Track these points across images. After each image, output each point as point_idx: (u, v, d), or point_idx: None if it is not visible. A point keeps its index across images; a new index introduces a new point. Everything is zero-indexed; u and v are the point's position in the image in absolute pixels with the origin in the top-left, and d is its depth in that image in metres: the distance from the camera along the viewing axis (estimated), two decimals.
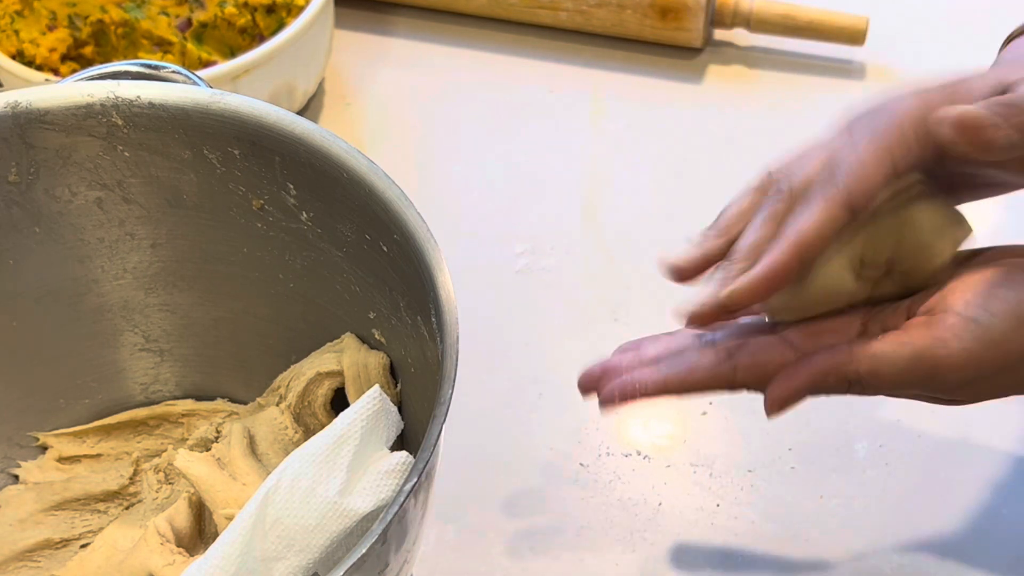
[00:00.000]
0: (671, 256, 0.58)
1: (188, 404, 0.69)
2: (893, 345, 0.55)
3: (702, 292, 0.55)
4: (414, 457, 0.51)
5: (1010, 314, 0.55)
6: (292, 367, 0.65)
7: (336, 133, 0.59)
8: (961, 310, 0.55)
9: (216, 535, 0.59)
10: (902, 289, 0.58)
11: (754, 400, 0.69)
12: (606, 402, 0.58)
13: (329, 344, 0.64)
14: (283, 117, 0.59)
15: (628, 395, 0.58)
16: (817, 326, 0.58)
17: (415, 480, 0.49)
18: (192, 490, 0.63)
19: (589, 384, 0.59)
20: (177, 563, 0.59)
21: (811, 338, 0.58)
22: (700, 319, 0.56)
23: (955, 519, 0.69)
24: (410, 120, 0.89)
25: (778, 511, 0.69)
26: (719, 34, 0.93)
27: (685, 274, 0.58)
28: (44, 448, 0.68)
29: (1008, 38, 0.66)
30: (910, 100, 0.56)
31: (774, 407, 0.57)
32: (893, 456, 0.71)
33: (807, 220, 0.55)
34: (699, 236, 0.58)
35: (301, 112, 0.86)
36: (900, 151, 0.55)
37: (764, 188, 0.60)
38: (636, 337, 0.72)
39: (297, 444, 0.63)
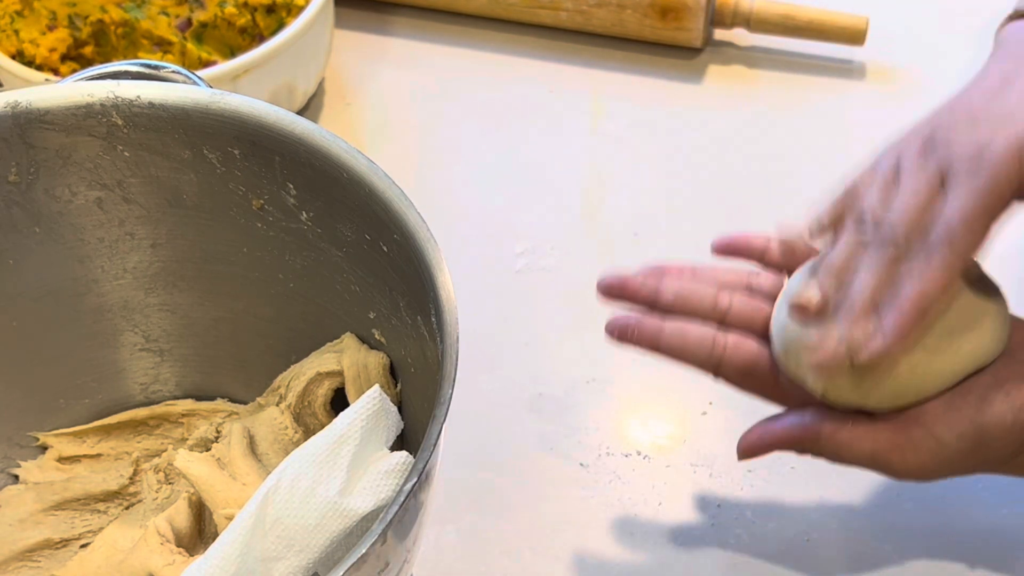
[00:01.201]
0: (802, 299, 0.59)
1: (188, 404, 0.69)
2: (858, 438, 0.59)
3: (829, 338, 0.57)
4: (414, 457, 0.51)
5: (970, 438, 0.58)
6: (292, 367, 0.65)
7: (336, 133, 0.59)
8: (929, 424, 0.58)
9: (216, 535, 0.59)
10: None
11: (754, 400, 0.69)
12: (607, 331, 0.64)
13: (329, 344, 0.64)
14: (283, 117, 0.59)
15: (626, 339, 0.63)
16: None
17: (415, 480, 0.49)
18: (192, 490, 0.63)
19: (605, 291, 0.65)
20: (177, 563, 0.59)
21: (796, 397, 0.62)
22: (824, 367, 0.58)
23: (955, 519, 0.69)
24: (410, 120, 0.89)
25: (778, 511, 0.69)
26: (719, 34, 0.93)
27: (811, 315, 0.59)
28: (44, 448, 0.68)
29: (1007, 18, 0.66)
30: (1003, 134, 0.56)
31: (745, 454, 0.63)
32: None
33: (930, 290, 0.56)
34: (823, 283, 0.59)
35: (301, 112, 0.86)
36: (1001, 203, 0.56)
37: (855, 220, 0.60)
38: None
39: (297, 444, 0.63)
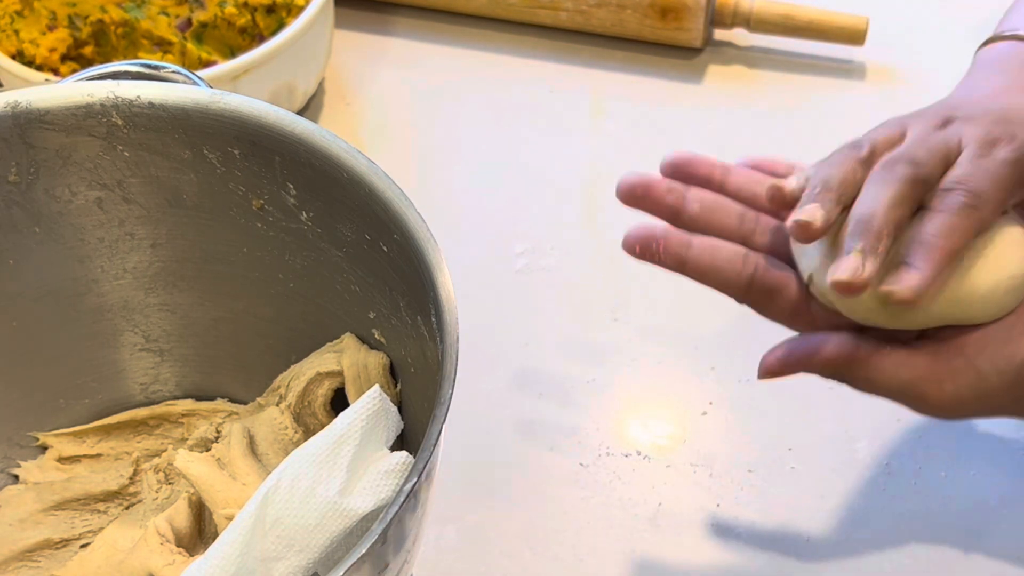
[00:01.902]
0: (804, 214, 0.56)
1: (188, 404, 0.69)
2: (895, 364, 0.57)
3: (851, 262, 0.55)
4: (414, 457, 0.51)
5: (1010, 373, 0.57)
6: (292, 367, 0.65)
7: (336, 133, 0.59)
8: (971, 355, 0.57)
9: (216, 535, 0.59)
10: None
11: (754, 400, 0.69)
12: (628, 246, 0.60)
13: (329, 344, 0.64)
14: (283, 117, 0.59)
15: (648, 254, 0.59)
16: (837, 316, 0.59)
17: (415, 480, 0.49)
18: (192, 490, 0.63)
19: (626, 192, 0.61)
20: (177, 563, 0.59)
21: (828, 320, 0.59)
22: (851, 288, 0.55)
23: (955, 519, 0.69)
24: (410, 120, 0.89)
25: (778, 511, 0.69)
26: (719, 34, 0.93)
27: (814, 234, 0.56)
28: (44, 448, 0.68)
29: (984, 42, 0.67)
30: None
31: (767, 373, 0.59)
32: (893, 456, 0.71)
33: (959, 236, 0.55)
34: (814, 198, 0.57)
35: (301, 112, 0.86)
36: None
37: (866, 160, 0.58)
38: (636, 336, 0.72)
39: (297, 444, 0.63)
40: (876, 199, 0.56)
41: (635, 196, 0.61)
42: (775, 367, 0.58)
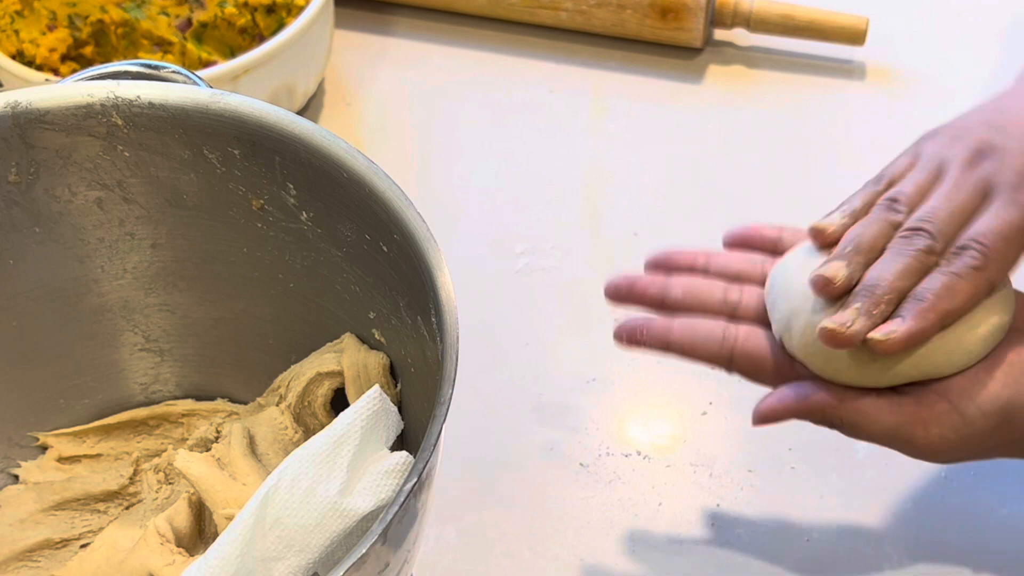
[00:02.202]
0: (828, 270, 0.58)
1: (188, 404, 0.69)
2: (880, 410, 0.58)
3: (845, 316, 0.57)
4: (414, 457, 0.51)
5: (996, 415, 0.58)
6: (292, 367, 0.65)
7: (336, 133, 0.59)
8: (955, 399, 0.58)
9: (216, 535, 0.59)
10: None
11: (754, 400, 0.69)
12: (617, 337, 0.63)
13: (329, 344, 0.64)
14: (283, 117, 0.59)
15: (636, 342, 0.62)
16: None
17: (415, 480, 0.49)
18: (192, 490, 0.63)
19: (613, 294, 0.64)
20: (177, 563, 0.59)
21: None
22: (837, 339, 0.57)
23: (955, 519, 0.69)
24: (410, 120, 0.89)
25: (778, 511, 0.69)
26: (719, 34, 0.93)
27: (833, 292, 0.58)
28: (44, 448, 0.68)
29: None
30: None
31: (760, 420, 0.61)
32: (893, 456, 0.71)
33: (957, 296, 0.57)
34: (843, 256, 0.59)
35: (301, 112, 0.86)
36: None
37: (887, 202, 0.60)
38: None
39: (297, 444, 0.63)
40: (887, 268, 0.58)
41: (620, 295, 0.64)
42: (768, 415, 0.60)
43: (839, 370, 0.59)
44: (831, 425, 0.60)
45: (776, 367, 0.61)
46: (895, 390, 0.59)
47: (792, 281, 0.61)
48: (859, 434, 0.59)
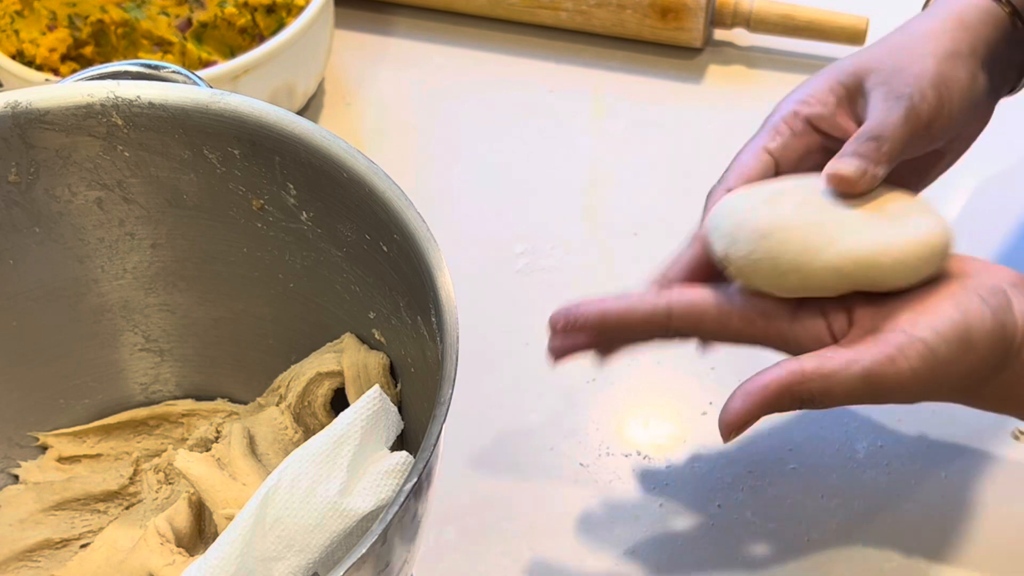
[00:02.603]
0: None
1: (188, 404, 0.69)
2: (843, 363, 0.56)
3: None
4: (414, 457, 0.51)
5: (956, 340, 0.57)
6: (292, 367, 0.65)
7: (336, 133, 0.59)
8: (908, 329, 0.57)
9: (216, 535, 0.59)
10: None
11: None
12: (552, 325, 0.61)
13: (329, 344, 0.64)
14: (283, 117, 0.60)
15: (570, 322, 0.60)
16: (762, 304, 0.59)
17: (415, 480, 0.49)
18: (192, 490, 0.63)
19: (555, 324, 0.61)
20: (177, 563, 0.59)
21: (757, 316, 0.59)
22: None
23: (954, 519, 0.69)
24: (410, 120, 0.89)
25: (778, 511, 0.69)
26: (719, 34, 0.93)
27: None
28: (44, 448, 0.68)
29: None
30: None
31: (730, 430, 0.58)
32: (893, 456, 0.71)
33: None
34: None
35: (301, 112, 0.86)
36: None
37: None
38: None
39: (297, 444, 0.63)
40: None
41: (559, 328, 0.61)
42: (736, 422, 0.58)
43: (790, 282, 0.58)
44: (802, 403, 0.57)
45: (722, 311, 0.59)
46: (852, 342, 0.57)
47: (742, 198, 0.60)
48: (832, 398, 0.57)
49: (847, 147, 0.61)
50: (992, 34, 0.65)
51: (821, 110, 0.64)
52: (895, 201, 0.60)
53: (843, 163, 0.60)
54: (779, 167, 0.64)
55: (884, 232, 0.58)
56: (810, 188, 0.61)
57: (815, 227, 0.58)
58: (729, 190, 0.62)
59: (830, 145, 0.63)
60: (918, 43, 0.64)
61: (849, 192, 0.60)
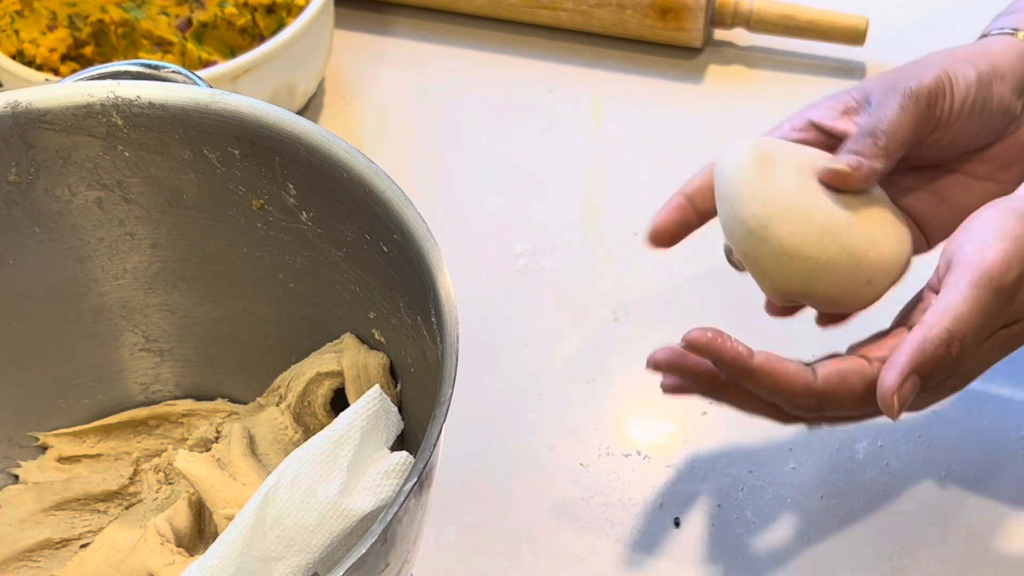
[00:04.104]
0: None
1: (188, 404, 0.69)
2: (949, 303, 0.56)
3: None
4: (414, 457, 0.51)
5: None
6: (292, 367, 0.65)
7: (336, 133, 0.59)
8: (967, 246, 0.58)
9: (216, 535, 0.59)
10: None
11: None
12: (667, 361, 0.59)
13: (329, 344, 0.64)
14: (283, 117, 0.59)
15: (705, 353, 0.58)
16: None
17: (415, 480, 0.49)
18: (192, 490, 0.63)
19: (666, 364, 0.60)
20: (177, 563, 0.59)
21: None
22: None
23: (954, 519, 0.69)
24: (410, 120, 0.89)
25: (778, 511, 0.69)
26: (719, 34, 0.93)
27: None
28: (44, 448, 0.68)
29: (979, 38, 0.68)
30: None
31: (901, 405, 0.56)
32: (893, 456, 0.71)
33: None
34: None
35: (301, 112, 0.86)
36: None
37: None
38: (636, 336, 0.72)
39: (297, 444, 0.63)
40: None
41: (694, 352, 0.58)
42: (904, 393, 0.56)
43: (796, 282, 0.59)
44: (950, 364, 0.56)
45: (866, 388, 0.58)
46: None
47: (784, 193, 0.60)
48: (964, 341, 0.56)
49: (845, 144, 0.61)
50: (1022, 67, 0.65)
51: (825, 112, 0.64)
52: (873, 207, 0.62)
53: (837, 159, 0.60)
54: None
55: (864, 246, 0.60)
56: (807, 165, 0.61)
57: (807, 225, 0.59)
58: None
59: (831, 143, 0.64)
60: (928, 57, 0.64)
61: (844, 187, 0.60)
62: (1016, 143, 0.65)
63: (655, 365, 0.59)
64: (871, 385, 0.57)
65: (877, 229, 0.61)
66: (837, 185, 0.60)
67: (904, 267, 0.61)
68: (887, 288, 0.60)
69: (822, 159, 0.62)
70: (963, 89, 0.62)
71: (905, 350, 0.55)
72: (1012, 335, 0.58)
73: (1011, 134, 0.65)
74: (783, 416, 0.59)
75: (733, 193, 0.60)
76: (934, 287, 0.59)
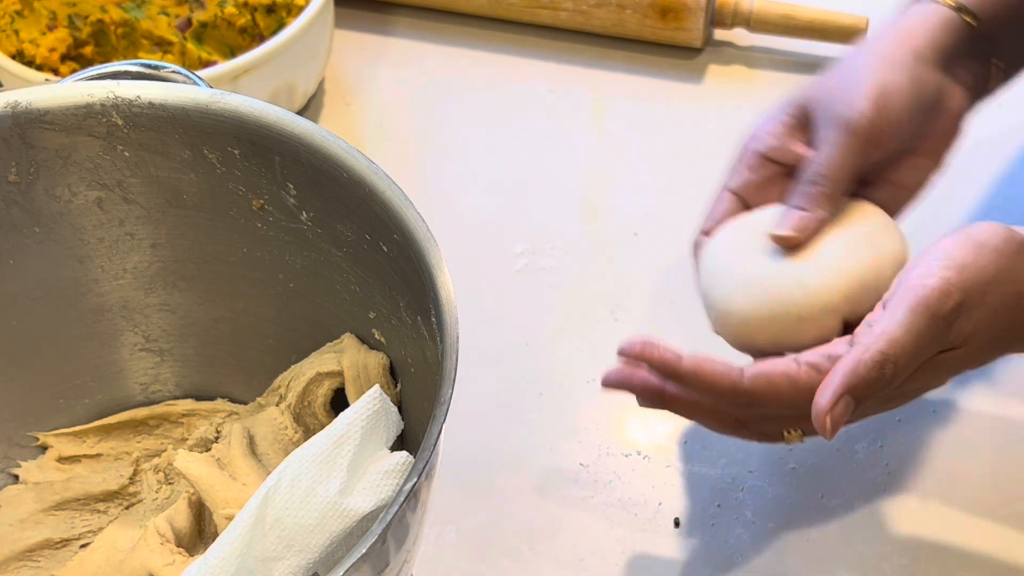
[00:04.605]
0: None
1: (188, 404, 0.69)
2: (889, 324, 0.57)
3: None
4: (414, 457, 0.51)
5: (963, 243, 0.58)
6: (292, 367, 0.65)
7: (336, 133, 0.59)
8: (916, 269, 0.59)
9: (216, 535, 0.59)
10: None
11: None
12: (628, 351, 0.61)
13: (329, 344, 0.65)
14: (283, 117, 0.60)
15: (648, 358, 0.60)
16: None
17: (415, 480, 0.49)
18: (192, 490, 0.63)
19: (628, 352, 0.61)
20: (177, 563, 0.59)
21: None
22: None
23: (955, 520, 0.69)
24: (410, 120, 0.89)
25: (778, 511, 0.69)
26: (719, 34, 0.93)
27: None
28: (44, 448, 0.68)
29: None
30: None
31: (834, 426, 0.57)
32: (893, 456, 0.71)
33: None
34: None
35: (301, 112, 0.86)
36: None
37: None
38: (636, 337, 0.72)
39: (297, 444, 0.63)
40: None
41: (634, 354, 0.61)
42: (836, 421, 0.57)
43: (765, 338, 0.61)
44: (873, 385, 0.57)
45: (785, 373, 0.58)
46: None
47: (724, 262, 0.63)
48: (898, 366, 0.57)
49: (791, 197, 0.63)
50: (943, 37, 0.65)
51: (772, 142, 0.66)
52: (857, 220, 0.63)
53: (782, 224, 0.62)
54: (746, 203, 0.66)
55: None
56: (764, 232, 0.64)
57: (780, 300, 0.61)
58: (706, 233, 0.66)
59: (789, 172, 0.65)
60: (857, 60, 0.65)
61: (796, 246, 0.62)
62: (946, 115, 0.66)
63: (607, 384, 0.62)
64: (797, 388, 0.58)
65: (812, 264, 0.62)
66: (790, 247, 0.62)
67: (851, 288, 0.61)
68: (833, 315, 0.60)
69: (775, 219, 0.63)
70: (898, 105, 0.63)
71: (839, 371, 0.56)
72: (952, 359, 0.59)
73: (940, 111, 0.66)
74: (727, 424, 0.61)
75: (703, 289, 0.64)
76: (885, 304, 0.59)
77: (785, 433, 0.60)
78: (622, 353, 0.61)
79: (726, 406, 0.60)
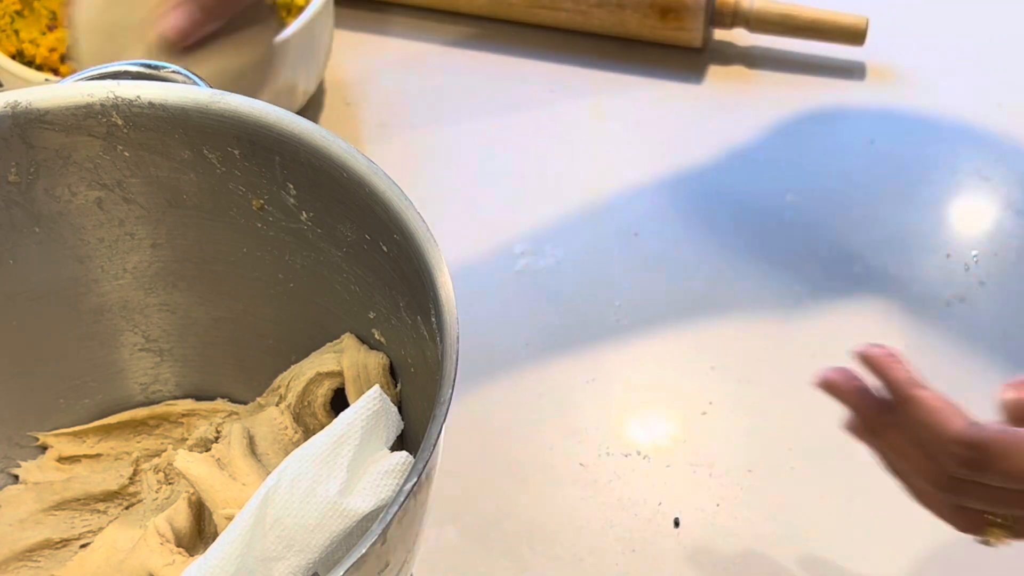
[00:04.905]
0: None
1: (188, 404, 0.69)
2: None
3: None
4: (414, 457, 0.51)
5: None
6: (292, 367, 0.65)
7: (336, 133, 0.59)
8: None
9: (216, 535, 0.59)
10: None
11: (754, 400, 0.69)
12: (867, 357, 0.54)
13: (329, 344, 0.64)
14: (283, 117, 0.59)
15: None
16: None
17: (415, 480, 0.49)
18: (192, 490, 0.63)
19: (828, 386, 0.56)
20: (177, 563, 0.59)
21: None
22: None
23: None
24: (410, 120, 0.89)
25: (778, 511, 0.69)
26: (719, 34, 0.93)
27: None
28: (44, 448, 0.68)
29: None
30: None
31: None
32: None
33: None
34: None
35: (301, 112, 0.86)
36: None
37: None
38: (636, 336, 0.72)
39: (297, 444, 0.63)
40: None
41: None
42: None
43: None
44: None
45: None
46: None
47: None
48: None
49: None
50: None
51: None
52: None
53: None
54: None
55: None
56: None
57: None
58: None
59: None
60: None
61: None
62: None
63: (822, 384, 0.55)
64: None
65: None
66: None
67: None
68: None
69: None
70: None
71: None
72: None
73: None
74: (936, 481, 0.53)
75: None
76: None
77: (988, 523, 0.52)
78: (860, 356, 0.53)
79: (946, 458, 0.52)
